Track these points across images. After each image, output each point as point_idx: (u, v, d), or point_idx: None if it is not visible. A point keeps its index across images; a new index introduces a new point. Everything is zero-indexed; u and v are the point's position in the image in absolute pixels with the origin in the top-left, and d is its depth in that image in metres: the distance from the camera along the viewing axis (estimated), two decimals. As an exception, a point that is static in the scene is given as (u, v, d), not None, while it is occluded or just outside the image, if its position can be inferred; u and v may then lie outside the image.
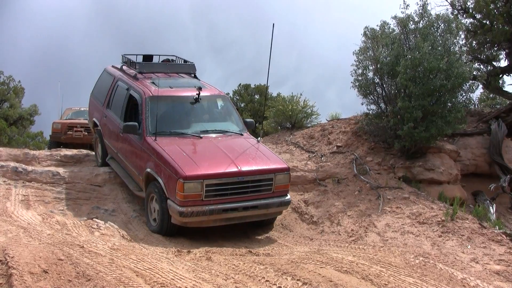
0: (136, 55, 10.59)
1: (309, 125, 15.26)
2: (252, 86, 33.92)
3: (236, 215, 7.95)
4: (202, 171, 7.66)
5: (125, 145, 9.26)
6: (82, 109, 18.88)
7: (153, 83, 9.43)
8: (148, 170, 8.22)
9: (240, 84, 34.31)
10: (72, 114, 18.52)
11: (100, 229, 7.66)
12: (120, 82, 10.20)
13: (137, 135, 8.70)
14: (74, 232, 7.24)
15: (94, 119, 11.11)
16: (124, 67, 10.67)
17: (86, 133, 16.80)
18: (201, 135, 8.74)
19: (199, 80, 10.29)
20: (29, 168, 9.93)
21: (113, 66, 11.27)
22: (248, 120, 9.92)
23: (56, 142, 16.62)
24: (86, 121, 17.22)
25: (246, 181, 7.89)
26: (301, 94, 15.70)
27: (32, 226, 7.24)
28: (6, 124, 27.33)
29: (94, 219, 8.19)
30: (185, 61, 10.92)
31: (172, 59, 11.06)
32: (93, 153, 12.05)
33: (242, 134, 9.24)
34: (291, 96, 15.86)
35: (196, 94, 9.14)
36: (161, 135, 8.50)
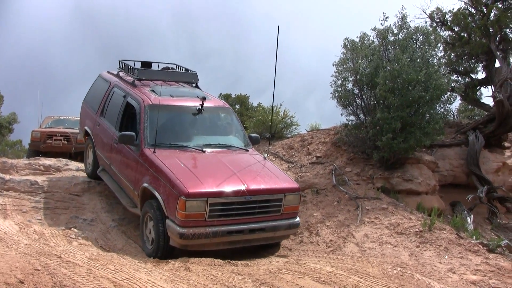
0: (134, 61, 9.96)
1: (289, 135, 15.34)
2: (233, 96, 33.91)
3: (241, 238, 7.22)
4: (206, 188, 6.90)
5: (120, 157, 8.56)
6: (62, 117, 18.74)
7: (152, 91, 8.76)
8: (145, 185, 7.46)
9: (220, 94, 34.30)
10: (52, 122, 18.34)
11: (78, 239, 7.60)
12: (116, 88, 9.54)
13: (134, 146, 7.99)
14: (52, 242, 7.17)
15: (85, 127, 10.39)
16: (121, 73, 10.08)
17: (65, 141, 16.68)
18: (204, 149, 8.05)
19: (201, 90, 9.66)
20: (7, 177, 9.82)
21: (108, 72, 10.62)
22: (253, 135, 9.23)
23: (35, 150, 16.42)
24: (66, 130, 17.17)
25: (254, 201, 7.19)
26: (281, 105, 15.82)
27: (8, 235, 7.15)
28: (-15, 132, 27.01)
29: (72, 228, 8.14)
30: (186, 69, 10.23)
31: (172, 68, 10.34)
32: (72, 162, 11.99)
33: (247, 150, 8.60)
34: (270, 107, 15.92)
35: (200, 104, 8.49)
36: (161, 147, 7.77)
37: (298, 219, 7.79)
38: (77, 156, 16.19)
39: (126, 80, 9.57)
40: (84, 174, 10.79)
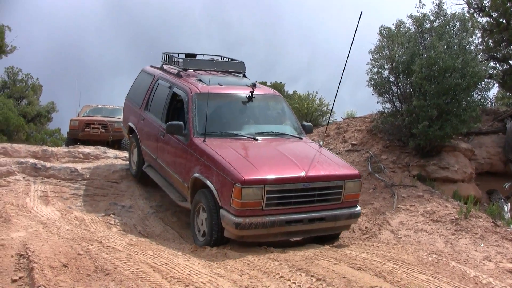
0: (178, 53, 9.73)
1: (324, 123, 15.34)
2: (268, 84, 33.99)
3: (300, 228, 6.86)
4: (262, 175, 6.55)
5: (167, 149, 8.33)
6: (100, 106, 19.11)
7: (200, 80, 8.49)
8: (196, 175, 7.15)
9: (256, 81, 34.36)
10: (90, 111, 18.70)
11: (117, 225, 7.79)
12: (161, 80, 9.31)
13: (182, 136, 7.69)
14: (92, 227, 7.38)
15: (129, 123, 10.16)
16: (165, 66, 9.88)
17: (103, 130, 17.00)
18: (257, 137, 7.70)
19: (249, 80, 9.16)
20: (48, 164, 10.08)
21: (151, 66, 10.44)
22: (306, 123, 8.79)
23: (74, 139, 16.80)
24: (103, 118, 17.48)
25: (313, 188, 6.80)
26: (316, 92, 15.81)
27: (51, 221, 7.38)
28: (25, 121, 27.63)
29: (111, 215, 8.35)
30: (232, 59, 9.94)
31: (217, 59, 10.00)
32: (111, 150, 12.22)
33: (301, 138, 8.20)
34: (306, 94, 15.95)
35: (250, 92, 8.17)
36: (211, 136, 7.45)
37: (359, 208, 7.40)
38: (114, 144, 16.53)
39: (171, 72, 9.38)
40: (122, 162, 11.01)
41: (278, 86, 32.21)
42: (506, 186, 11.91)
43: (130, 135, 10.31)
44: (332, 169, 7.18)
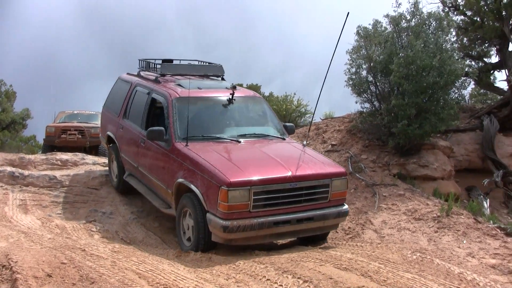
0: (154, 59, 9.66)
1: (302, 124, 15.37)
2: (245, 85, 33.99)
3: (289, 229, 6.80)
4: (248, 176, 6.48)
5: (148, 156, 8.21)
6: (76, 112, 18.90)
7: (178, 85, 8.39)
8: (180, 180, 7.04)
9: (232, 83, 34.32)
10: (65, 117, 18.47)
11: (99, 232, 7.70)
12: (139, 87, 9.16)
13: (163, 142, 7.58)
14: (74, 235, 7.29)
15: (108, 132, 9.95)
16: (142, 73, 9.72)
17: (80, 136, 16.82)
18: (239, 140, 7.64)
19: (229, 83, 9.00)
20: (26, 172, 9.95)
21: (128, 74, 10.27)
22: (288, 124, 8.78)
23: (50, 145, 16.56)
24: (80, 124, 17.29)
25: (300, 187, 6.75)
26: (294, 94, 15.83)
27: (32, 230, 7.27)
28: (-1, 129, 27.25)
29: (92, 222, 8.25)
30: (209, 63, 9.86)
31: (194, 64, 9.87)
32: (89, 156, 12.10)
33: (284, 139, 8.18)
34: (284, 96, 15.98)
35: (230, 94, 8.09)
36: (193, 141, 7.36)
37: (346, 206, 7.34)
38: (92, 150, 16.35)
39: (148, 78, 9.28)
40: (101, 168, 10.89)
41: (254, 88, 32.13)
42: (485, 183, 12.04)
43: (109, 145, 10.11)
44: (318, 168, 7.13)
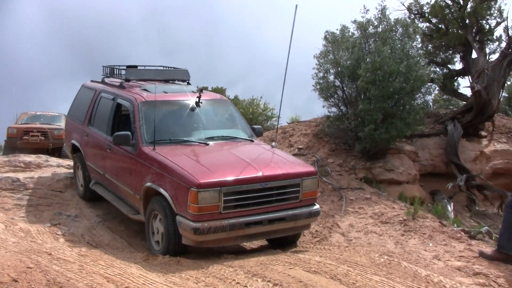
0: (119, 65, 9.50)
1: (269, 127, 15.42)
2: (210, 89, 33.91)
3: (260, 230, 6.73)
4: (218, 177, 6.42)
5: (115, 162, 8.07)
6: (38, 113, 18.62)
7: (144, 89, 8.30)
8: (148, 184, 6.92)
9: (197, 86, 34.21)
10: (28, 118, 18.18)
11: (64, 235, 7.56)
12: (103, 93, 9.03)
13: (130, 147, 7.46)
14: (39, 239, 7.12)
15: (72, 141, 9.73)
16: (106, 80, 9.63)
17: (43, 138, 16.57)
18: (207, 142, 7.57)
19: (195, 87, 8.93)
20: (-13, 174, 9.71)
21: (92, 81, 10.14)
22: (256, 126, 8.78)
23: (12, 147, 16.22)
24: (43, 126, 17.01)
25: (270, 187, 6.69)
26: (261, 97, 15.86)
27: (-5, 234, 7.09)
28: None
29: (57, 225, 8.09)
30: (175, 68, 9.80)
31: (159, 69, 9.80)
32: (53, 158, 11.88)
33: (252, 141, 8.14)
34: (251, 99, 15.99)
35: (197, 97, 8.03)
36: (160, 144, 7.26)
37: (318, 206, 7.28)
38: (54, 152, 16.08)
39: (113, 84, 9.15)
40: (66, 170, 10.71)
41: (219, 91, 32.02)
42: (449, 187, 12.27)
43: (74, 155, 9.85)
44: (289, 168, 7.10)
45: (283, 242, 7.51)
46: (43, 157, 11.60)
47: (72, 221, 8.52)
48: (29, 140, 16.40)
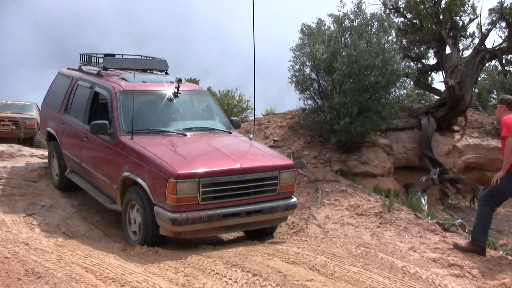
0: (96, 54, 9.40)
1: (243, 119, 15.42)
2: (183, 80, 33.72)
3: (238, 221, 6.78)
4: (197, 168, 6.41)
5: (92, 151, 8.00)
6: (9, 102, 18.31)
7: (122, 78, 8.25)
8: (126, 174, 6.90)
9: (177, 77, 33.96)
10: (-2, 107, 17.85)
11: (40, 225, 7.47)
12: (80, 81, 8.93)
13: (107, 136, 7.41)
14: (14, 229, 7.02)
15: (48, 128, 9.61)
16: (83, 67, 9.52)
17: (14, 127, 16.31)
18: (186, 133, 7.56)
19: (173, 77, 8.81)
20: (-41, 164, 9.54)
21: (69, 68, 10.02)
22: (234, 118, 8.75)
23: (-19, 137, 15.92)
24: (14, 115, 16.74)
25: (248, 180, 6.74)
26: (236, 89, 15.84)
27: (-32, 224, 6.99)
28: None
29: (32, 215, 7.99)
30: (153, 58, 9.71)
31: (138, 58, 9.65)
32: (25, 148, 11.72)
33: (230, 132, 8.15)
34: (226, 91, 15.95)
35: (175, 87, 7.99)
36: (138, 134, 7.20)
37: (295, 199, 7.36)
38: (26, 141, 15.84)
39: (90, 72, 9.08)
40: (39, 160, 10.57)
41: (193, 82, 31.96)
42: (423, 180, 12.43)
43: (49, 142, 9.71)
44: (266, 160, 7.13)
45: (260, 234, 7.54)
46: (16, 146, 11.43)
47: (46, 211, 8.40)
48: (0, 129, 16.11)
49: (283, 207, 7.11)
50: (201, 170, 6.42)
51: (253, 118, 15.17)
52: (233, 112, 15.42)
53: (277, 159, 7.33)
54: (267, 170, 6.94)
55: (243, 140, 7.95)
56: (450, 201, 12.76)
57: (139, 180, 6.66)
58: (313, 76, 11.73)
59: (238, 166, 6.71)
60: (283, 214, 7.30)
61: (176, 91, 8.01)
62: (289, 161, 7.43)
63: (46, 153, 10.71)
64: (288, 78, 11.99)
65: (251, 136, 8.28)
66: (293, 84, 11.92)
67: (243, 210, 6.72)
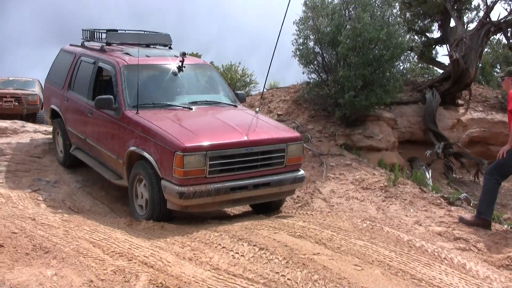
0: (98, 30, 9.16)
1: (239, 91, 15.37)
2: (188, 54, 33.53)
3: (245, 195, 6.72)
4: (204, 141, 6.35)
5: (97, 127, 7.92)
6: (11, 78, 18.18)
7: (126, 53, 8.17)
8: (132, 148, 6.83)
9: (182, 51, 33.76)
10: (0, 84, 17.75)
11: (45, 201, 7.48)
12: (84, 57, 8.84)
13: (112, 111, 7.34)
14: (20, 204, 7.03)
15: (52, 106, 9.54)
16: (86, 43, 9.42)
17: (16, 103, 16.24)
18: (192, 107, 7.48)
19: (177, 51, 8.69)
20: (-37, 140, 9.52)
21: (71, 45, 9.85)
22: (239, 92, 8.73)
23: (-17, 113, 15.88)
24: (16, 91, 16.67)
25: (256, 152, 6.66)
26: (239, 63, 15.73)
27: (-25, 200, 6.99)
28: None
29: (37, 191, 8.00)
30: (156, 33, 9.58)
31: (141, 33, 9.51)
32: (29, 124, 11.66)
33: (236, 106, 8.07)
34: (229, 65, 15.85)
35: (180, 61, 7.84)
36: (143, 108, 7.12)
37: (302, 172, 7.24)
38: (29, 118, 15.78)
39: (93, 48, 9.00)
40: (44, 136, 10.54)
41: (195, 57, 31.77)
42: (428, 154, 12.42)
43: (53, 120, 9.65)
44: (273, 133, 7.07)
45: (267, 208, 7.52)
46: (19, 122, 11.37)
47: (52, 187, 8.41)
48: (3, 106, 16.06)
49: (291, 180, 7.03)
50: (208, 143, 6.36)
51: (256, 92, 15.17)
52: (236, 86, 15.30)
53: (284, 131, 7.27)
54: (274, 142, 6.88)
55: (249, 113, 7.87)
56: (454, 175, 12.75)
57: (145, 154, 6.61)
58: (317, 49, 11.65)
59: (245, 138, 6.64)
60: (290, 187, 7.23)
61: (180, 65, 7.90)
62: (296, 134, 7.36)
63: (50, 129, 10.68)
64: (292, 51, 11.94)
65: (257, 109, 8.18)
66: (297, 58, 11.85)
67: (251, 183, 6.65)
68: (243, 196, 6.74)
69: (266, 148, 6.79)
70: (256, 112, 7.97)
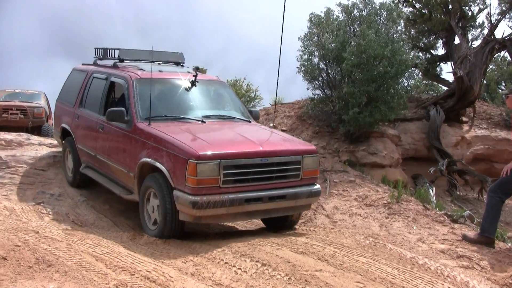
0: (112, 48, 9.18)
1: (253, 109, 15.39)
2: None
3: (260, 207, 6.50)
4: (217, 150, 6.19)
5: (108, 141, 7.83)
6: (17, 90, 18.30)
7: (139, 69, 8.14)
8: (144, 160, 6.70)
9: (195, 66, 33.92)
10: (6, 96, 17.83)
11: (49, 214, 7.49)
12: (96, 74, 8.85)
13: (124, 124, 7.24)
14: (24, 217, 7.05)
15: (62, 125, 9.44)
16: (98, 61, 9.42)
17: (22, 116, 16.32)
18: (205, 120, 7.37)
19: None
20: (-32, 152, 9.57)
21: (83, 64, 9.90)
22: (253, 109, 8.66)
23: (-11, 125, 15.95)
24: (22, 104, 16.75)
25: (271, 163, 6.46)
26: (244, 78, 15.78)
27: (-21, 212, 7.01)
28: None
29: (41, 204, 8.02)
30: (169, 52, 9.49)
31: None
32: (34, 137, 11.72)
33: (250, 121, 7.94)
34: (234, 80, 15.90)
35: (193, 76, 7.74)
36: (155, 121, 7.04)
37: (318, 186, 7.04)
38: (34, 130, 15.85)
39: (106, 65, 9.02)
40: (48, 149, 10.59)
41: (201, 72, 31.91)
42: (431, 171, 12.41)
43: (63, 141, 9.57)
44: (289, 145, 6.99)
45: (281, 225, 7.38)
46: (24, 135, 11.44)
47: (55, 200, 8.43)
48: (8, 118, 16.13)
49: (307, 193, 6.85)
50: (222, 151, 6.23)
51: (260, 107, 15.18)
52: (241, 102, 15.35)
53: (299, 144, 7.20)
54: (290, 154, 6.74)
55: (263, 128, 7.83)
56: (458, 193, 12.75)
57: (158, 164, 6.46)
58: (322, 66, 11.70)
59: (260, 148, 6.50)
60: (306, 201, 7.02)
61: (194, 80, 7.82)
62: (312, 146, 7.20)
63: (54, 141, 10.74)
64: (297, 67, 11.99)
65: (271, 124, 8.13)
66: (302, 74, 11.90)
67: (266, 195, 6.45)
68: (258, 208, 6.54)
69: (282, 160, 6.64)
70: (271, 127, 7.93)
